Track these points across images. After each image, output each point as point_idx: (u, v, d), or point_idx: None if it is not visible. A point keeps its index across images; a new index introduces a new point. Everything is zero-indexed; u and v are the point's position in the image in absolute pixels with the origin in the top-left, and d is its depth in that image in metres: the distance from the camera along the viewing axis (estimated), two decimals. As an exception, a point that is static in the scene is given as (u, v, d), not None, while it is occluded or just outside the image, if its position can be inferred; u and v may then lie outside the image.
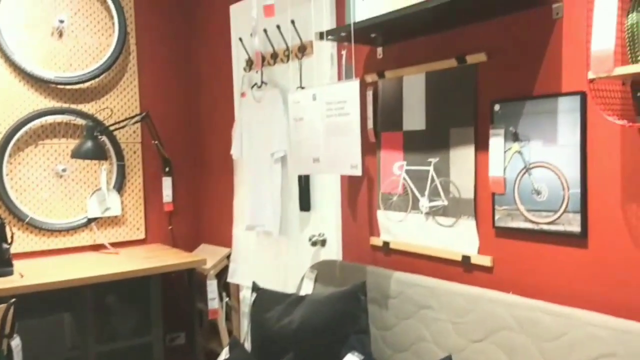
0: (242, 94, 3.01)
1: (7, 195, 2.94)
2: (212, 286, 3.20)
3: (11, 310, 2.12)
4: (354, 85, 1.88)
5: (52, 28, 3.07)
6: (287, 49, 2.68)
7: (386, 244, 2.26)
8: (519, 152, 1.79)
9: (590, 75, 1.44)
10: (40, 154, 3.07)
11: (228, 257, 3.25)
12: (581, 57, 1.64)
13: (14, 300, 2.13)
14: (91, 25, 3.19)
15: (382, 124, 2.26)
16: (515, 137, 1.79)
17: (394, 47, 2.20)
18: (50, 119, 3.07)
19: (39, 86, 3.05)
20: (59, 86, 3.09)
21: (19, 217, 2.98)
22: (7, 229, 2.73)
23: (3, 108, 2.95)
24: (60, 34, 3.10)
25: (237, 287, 3.22)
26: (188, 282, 3.09)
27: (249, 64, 2.98)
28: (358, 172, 1.88)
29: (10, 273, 2.65)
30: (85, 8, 3.17)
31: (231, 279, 3.20)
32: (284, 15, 2.67)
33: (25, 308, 2.42)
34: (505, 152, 1.82)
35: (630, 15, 1.43)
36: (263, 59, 2.84)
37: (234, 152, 3.04)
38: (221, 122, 3.34)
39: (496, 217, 1.86)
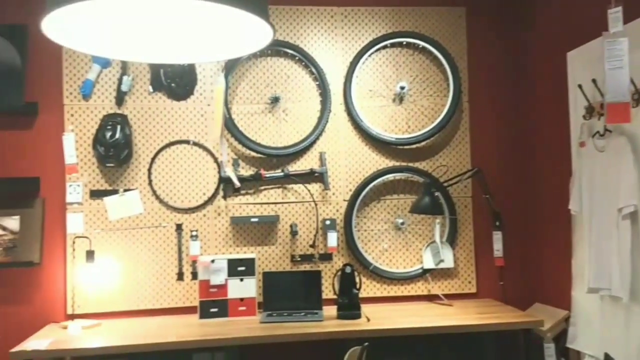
0: (581, 144, 2.79)
1: (355, 245, 3.33)
2: (550, 350, 2.98)
3: (364, 354, 2.35)
4: None
5: (393, 95, 3.42)
6: (636, 92, 2.38)
7: None
8: None
9: None
10: (382, 208, 3.41)
11: (566, 320, 2.98)
12: None
13: (367, 344, 2.35)
14: (428, 89, 3.44)
15: None
16: None
17: None
18: (390, 177, 3.39)
19: (382, 148, 3.41)
20: (399, 147, 3.40)
21: (365, 265, 3.33)
22: (356, 275, 3.07)
23: (352, 169, 3.39)
24: (401, 100, 3.43)
25: (578, 354, 2.91)
26: (524, 343, 2.94)
27: (589, 111, 2.76)
28: None
29: (359, 316, 2.96)
30: (422, 73, 3.45)
31: (571, 344, 2.92)
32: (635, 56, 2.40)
33: (368, 351, 2.65)
34: None
35: None
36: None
37: (573, 206, 2.82)
38: (555, 174, 3.14)
39: None
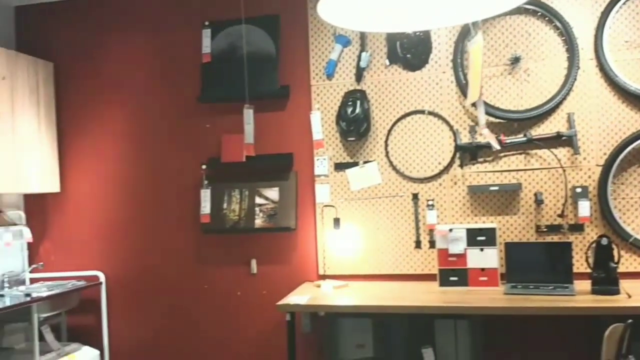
0: None
1: (612, 214, 2.99)
2: None
3: (628, 332, 2.12)
4: None
5: (658, 43, 2.97)
6: None
7: None
8: None
9: None
10: (645, 173, 3.00)
11: None
12: None
13: (630, 321, 2.12)
14: None
15: None
16: None
17: None
18: (655, 137, 2.96)
19: (643, 105, 2.99)
20: (665, 103, 2.95)
21: (623, 237, 2.98)
22: (614, 248, 2.77)
23: (607, 130, 3.03)
24: (668, 48, 2.95)
25: None
26: None
27: None
28: None
29: (617, 292, 2.67)
30: (696, 14, 2.92)
31: None
32: None
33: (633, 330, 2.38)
34: None
35: None
36: None
37: None
38: None
39: None
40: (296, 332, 2.98)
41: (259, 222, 3.44)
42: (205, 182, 3.52)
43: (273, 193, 3.48)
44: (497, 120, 3.17)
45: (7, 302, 3.10)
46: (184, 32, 3.60)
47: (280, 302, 2.92)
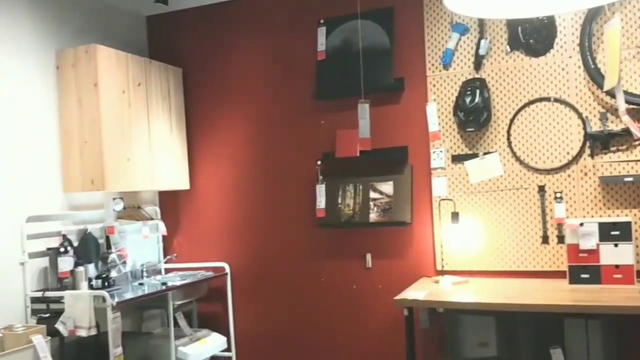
0: None
1: None
2: None
3: None
4: None
5: None
6: None
7: None
8: None
9: None
10: None
11: None
12: None
13: None
14: None
15: None
16: None
17: None
18: None
19: None
20: None
21: None
22: None
23: None
24: None
25: None
26: None
27: None
28: None
29: None
30: None
31: None
32: None
33: None
34: None
35: None
36: None
37: None
38: None
39: None
40: (414, 328, 2.96)
41: (373, 216, 3.45)
42: (320, 177, 3.59)
43: (387, 187, 3.47)
44: (631, 106, 2.90)
45: (146, 290, 3.37)
46: (301, 31, 3.70)
47: (398, 297, 2.91)
